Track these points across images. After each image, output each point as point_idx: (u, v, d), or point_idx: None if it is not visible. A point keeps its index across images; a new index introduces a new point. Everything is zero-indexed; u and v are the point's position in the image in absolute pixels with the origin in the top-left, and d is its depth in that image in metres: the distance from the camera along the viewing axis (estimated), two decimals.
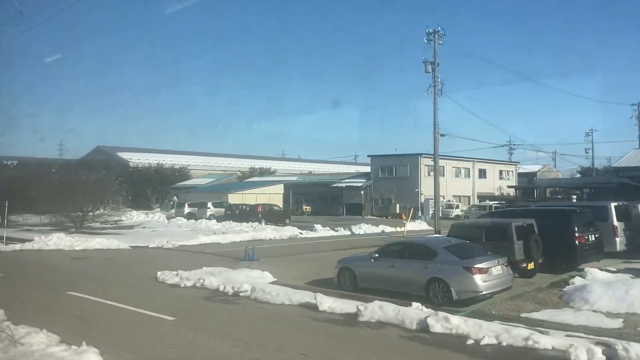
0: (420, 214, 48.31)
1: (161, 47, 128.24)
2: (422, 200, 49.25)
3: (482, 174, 57.57)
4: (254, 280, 13.10)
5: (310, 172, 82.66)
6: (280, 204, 47.64)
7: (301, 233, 28.86)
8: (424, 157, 49.77)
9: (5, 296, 11.49)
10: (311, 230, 30.03)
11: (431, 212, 48.31)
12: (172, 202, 52.47)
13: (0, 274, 14.83)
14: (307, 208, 40.38)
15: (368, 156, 53.59)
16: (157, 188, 60.82)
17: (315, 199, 55.69)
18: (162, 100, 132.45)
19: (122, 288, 12.83)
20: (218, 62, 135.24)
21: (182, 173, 67.33)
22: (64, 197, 28.01)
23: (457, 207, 48.46)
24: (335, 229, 31.01)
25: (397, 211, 49.84)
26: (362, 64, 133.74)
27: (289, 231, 28.76)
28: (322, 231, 29.97)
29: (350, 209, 53.09)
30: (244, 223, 32.06)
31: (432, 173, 51.90)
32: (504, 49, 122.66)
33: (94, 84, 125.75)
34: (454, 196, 53.01)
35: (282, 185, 53.59)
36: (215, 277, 12.84)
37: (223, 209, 40.87)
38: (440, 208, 49.48)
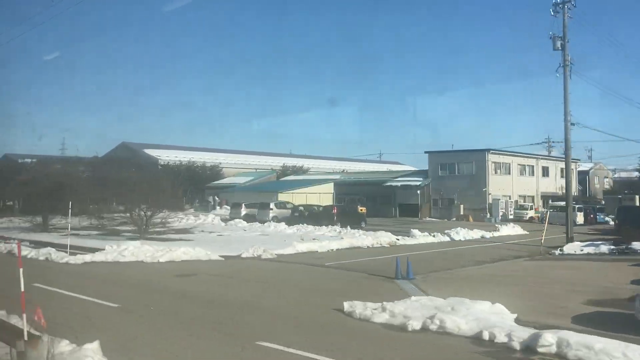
0: (488, 215, 44.04)
1: (172, 44, 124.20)
2: (490, 201, 44.97)
3: (545, 172, 53.26)
4: (487, 317, 8.93)
5: (344, 170, 78.63)
6: (331, 204, 43.48)
7: (397, 239, 24.68)
8: (491, 152, 45.52)
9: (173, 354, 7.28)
10: (407, 236, 25.82)
11: (501, 214, 44.13)
12: (211, 202, 48.31)
13: (115, 304, 10.60)
14: (362, 209, 36.28)
15: (425, 152, 49.40)
16: (189, 187, 56.60)
17: (364, 199, 51.39)
18: (177, 97, 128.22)
19: (315, 332, 8.62)
20: (235, 59, 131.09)
21: (214, 171, 63.17)
22: (128, 198, 23.91)
23: (531, 208, 44.16)
24: (432, 234, 26.89)
25: (462, 212, 45.58)
26: (386, 57, 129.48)
27: (385, 237, 24.54)
28: (420, 237, 25.76)
29: (404, 210, 48.84)
30: (322, 227, 27.80)
31: (499, 171, 47.80)
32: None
33: (103, 81, 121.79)
34: (519, 196, 48.75)
35: (332, 184, 49.36)
36: (458, 316, 8.60)
37: (286, 210, 36.71)
38: (511, 209, 45.63)
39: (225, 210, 45.84)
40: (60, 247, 21.00)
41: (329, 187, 48.55)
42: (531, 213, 43.06)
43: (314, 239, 23.54)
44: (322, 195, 46.30)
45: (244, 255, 19.00)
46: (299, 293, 12.21)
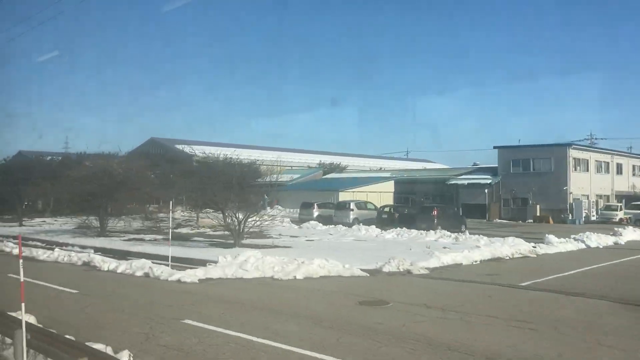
0: (570, 217, 39.87)
1: (174, 42, 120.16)
2: (571, 200, 40.79)
3: (619, 169, 49.02)
4: None
5: (381, 168, 74.76)
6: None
7: (534, 247, 20.60)
8: (573, 147, 41.36)
9: None
10: (543, 243, 21.75)
11: (584, 214, 39.96)
12: (261, 202, 44.17)
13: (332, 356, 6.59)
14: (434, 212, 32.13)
15: (494, 147, 45.15)
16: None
17: (422, 198, 47.18)
18: (178, 95, 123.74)
19: None
20: (253, 55, 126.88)
21: (252, 168, 58.91)
22: (219, 198, 19.95)
23: (620, 208, 39.93)
24: (573, 238, 22.86)
25: (538, 213, 41.41)
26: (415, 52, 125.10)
27: (523, 245, 20.48)
28: (559, 244, 21.66)
29: (469, 211, 44.57)
30: (430, 232, 23.63)
31: (578, 167, 43.58)
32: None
33: (112, 78, 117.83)
34: (596, 195, 44.55)
35: (392, 182, 45.22)
36: None
37: (368, 212, 32.77)
38: (593, 209, 41.47)
39: (278, 211, 41.84)
40: (137, 256, 17.21)
41: (389, 186, 44.44)
42: (620, 214, 38.84)
43: (444, 248, 19.50)
44: (383, 195, 42.21)
45: (385, 269, 14.93)
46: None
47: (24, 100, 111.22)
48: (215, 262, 14.81)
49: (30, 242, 23.07)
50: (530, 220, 40.58)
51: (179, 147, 62.02)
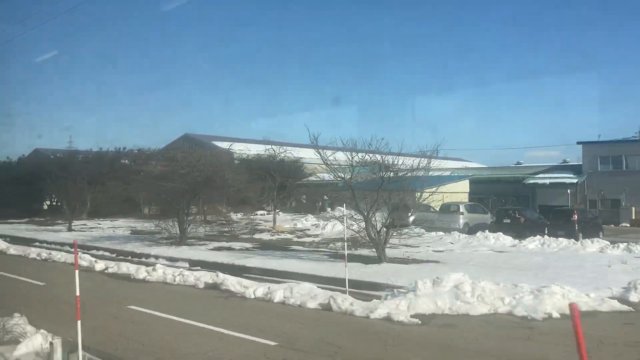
0: None
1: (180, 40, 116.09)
2: None
3: None
4: None
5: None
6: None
7: None
8: None
9: None
10: None
11: None
12: (319, 204, 40.25)
13: None
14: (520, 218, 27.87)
15: (578, 143, 40.85)
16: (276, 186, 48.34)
17: (493, 198, 42.79)
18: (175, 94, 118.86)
19: None
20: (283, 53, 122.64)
21: (295, 166, 54.84)
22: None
23: None
24: None
25: (634, 217, 37.11)
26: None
27: None
28: None
29: (547, 212, 40.29)
30: (587, 240, 19.29)
31: None
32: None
33: (120, 75, 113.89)
34: None
35: (467, 181, 40.95)
36: None
37: (478, 215, 28.81)
38: None
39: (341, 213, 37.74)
40: (260, 273, 13.40)
41: (465, 185, 40.17)
42: None
43: (622, 262, 15.30)
44: (460, 195, 38.01)
45: (634, 298, 10.77)
46: None
47: (38, 98, 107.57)
48: (400, 287, 10.78)
49: (97, 253, 19.11)
50: (624, 224, 36.28)
51: (216, 143, 58.06)
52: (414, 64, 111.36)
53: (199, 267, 15.73)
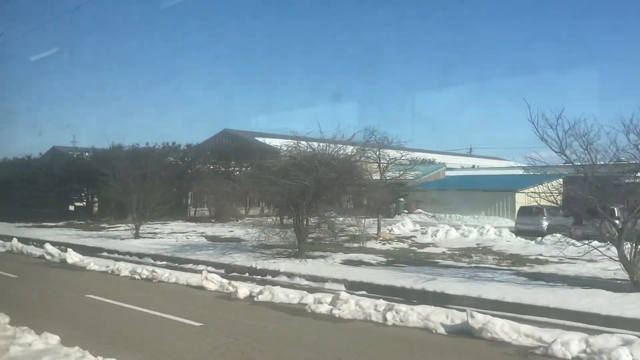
0: None
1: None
2: None
3: None
4: None
5: (474, 166, 66.93)
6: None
7: None
8: None
9: None
10: None
11: None
12: (393, 206, 36.29)
13: None
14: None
15: None
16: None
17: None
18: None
19: None
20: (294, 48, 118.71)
21: (353, 166, 50.88)
22: None
23: None
24: None
25: None
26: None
27: None
28: None
29: None
30: None
31: None
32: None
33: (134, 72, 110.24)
34: None
35: (561, 180, 36.85)
36: None
37: (559, 218, 24.84)
38: None
39: (420, 217, 33.91)
40: (459, 302, 9.69)
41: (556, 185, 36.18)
42: None
43: None
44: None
45: None
46: None
47: (58, 96, 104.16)
48: None
49: (204, 269, 15.04)
50: None
51: (260, 139, 54.09)
52: (415, 60, 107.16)
53: (364, 292, 11.93)
